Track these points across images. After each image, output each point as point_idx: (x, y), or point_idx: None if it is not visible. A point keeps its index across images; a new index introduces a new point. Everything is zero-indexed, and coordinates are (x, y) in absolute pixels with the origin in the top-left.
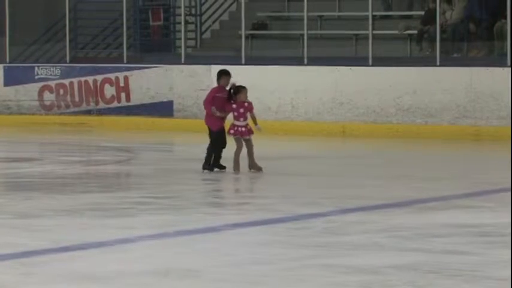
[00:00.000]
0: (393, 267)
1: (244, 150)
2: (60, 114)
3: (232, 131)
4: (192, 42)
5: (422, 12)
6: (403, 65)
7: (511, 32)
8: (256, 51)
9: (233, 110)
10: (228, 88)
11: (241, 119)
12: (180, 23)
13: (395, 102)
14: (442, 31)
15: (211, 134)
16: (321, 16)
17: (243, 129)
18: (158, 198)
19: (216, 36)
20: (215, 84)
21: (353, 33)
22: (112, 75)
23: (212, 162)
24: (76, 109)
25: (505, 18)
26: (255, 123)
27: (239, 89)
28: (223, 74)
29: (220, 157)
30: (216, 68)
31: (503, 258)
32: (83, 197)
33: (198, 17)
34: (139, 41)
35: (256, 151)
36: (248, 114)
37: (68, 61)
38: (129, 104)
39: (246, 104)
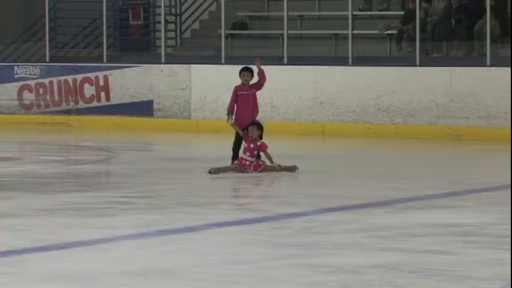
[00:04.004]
0: (373, 266)
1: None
2: (40, 113)
3: (237, 161)
4: (172, 42)
5: (402, 12)
6: (382, 65)
7: None
8: (236, 50)
9: (245, 140)
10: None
11: (247, 153)
12: (160, 22)
13: (375, 102)
14: (422, 30)
15: None
16: (300, 16)
17: (247, 163)
18: (138, 198)
19: (195, 36)
20: (194, 84)
21: (333, 33)
22: (92, 75)
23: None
24: (56, 108)
25: (485, 18)
26: (271, 162)
27: (249, 125)
28: (242, 71)
29: (236, 153)
30: (195, 68)
31: (483, 258)
32: (63, 197)
33: (178, 17)
34: (119, 40)
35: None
36: (256, 153)
37: (47, 60)
38: (109, 103)
39: (258, 143)
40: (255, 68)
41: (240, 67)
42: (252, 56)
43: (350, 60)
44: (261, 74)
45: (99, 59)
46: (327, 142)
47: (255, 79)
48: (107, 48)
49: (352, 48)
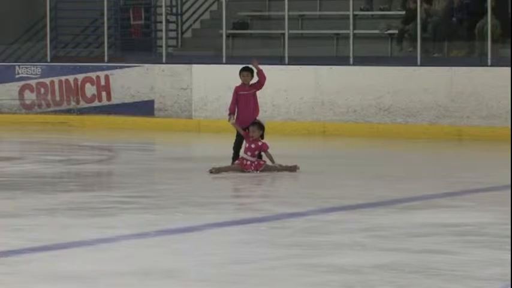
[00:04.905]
0: (374, 266)
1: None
2: (41, 113)
3: (238, 161)
4: (173, 42)
5: (403, 12)
6: (383, 65)
7: None
8: (237, 50)
9: (246, 140)
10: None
11: (248, 153)
12: (161, 22)
13: (376, 102)
14: (423, 30)
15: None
16: (302, 15)
17: (248, 162)
18: (139, 198)
19: (197, 36)
20: (196, 84)
21: (334, 33)
22: (93, 74)
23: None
24: (57, 108)
25: (486, 18)
26: (272, 162)
27: (250, 125)
28: (242, 71)
29: (236, 153)
30: (197, 68)
31: (484, 257)
32: (64, 196)
33: (179, 16)
34: (120, 40)
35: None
36: (257, 153)
37: (48, 60)
38: (110, 103)
39: (259, 143)
40: (254, 68)
41: (241, 67)
42: (253, 55)
43: (351, 60)
44: (260, 73)
45: (100, 58)
46: (328, 142)
47: (256, 79)
48: (108, 48)
49: (353, 48)
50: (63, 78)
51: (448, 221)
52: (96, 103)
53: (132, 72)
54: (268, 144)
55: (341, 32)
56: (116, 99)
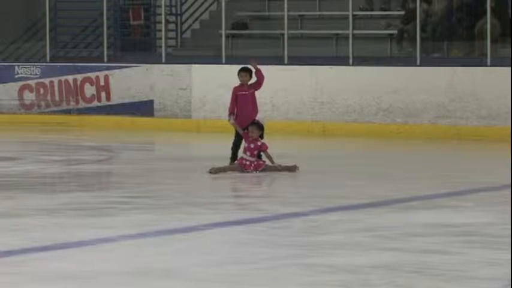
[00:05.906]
0: (374, 266)
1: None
2: (40, 113)
3: (237, 161)
4: (172, 42)
5: (403, 12)
6: (383, 65)
7: None
8: (236, 50)
9: (246, 140)
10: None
11: (248, 153)
12: (160, 22)
13: (376, 102)
14: (423, 30)
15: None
16: (301, 15)
17: (247, 162)
18: (138, 198)
19: (196, 36)
20: (195, 84)
21: (333, 33)
22: (92, 75)
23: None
24: (56, 108)
25: (486, 18)
26: (272, 162)
27: (249, 125)
28: (240, 71)
29: (234, 154)
30: (196, 68)
31: (484, 257)
32: (63, 197)
33: (179, 17)
34: (119, 40)
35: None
36: (257, 153)
37: (48, 60)
38: (110, 103)
39: (258, 143)
40: (253, 68)
41: (240, 67)
42: (253, 55)
43: (351, 60)
44: (259, 73)
45: (100, 59)
46: (328, 142)
47: (254, 79)
48: (108, 48)
49: (353, 48)
50: (62, 78)
51: (448, 221)
52: (95, 103)
53: (131, 72)
54: (267, 144)
55: (341, 32)
56: (115, 99)
